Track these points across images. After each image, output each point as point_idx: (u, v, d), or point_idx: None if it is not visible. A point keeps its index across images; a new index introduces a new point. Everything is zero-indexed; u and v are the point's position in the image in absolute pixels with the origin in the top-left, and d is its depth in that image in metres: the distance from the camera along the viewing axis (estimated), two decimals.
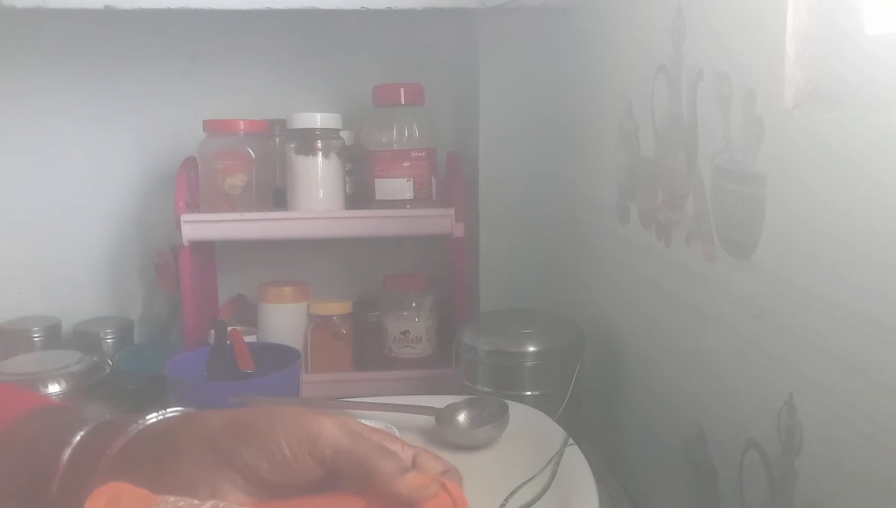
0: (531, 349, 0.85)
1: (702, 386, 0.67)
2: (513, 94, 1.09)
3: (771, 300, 0.55)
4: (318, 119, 1.02)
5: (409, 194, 1.05)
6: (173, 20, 1.12)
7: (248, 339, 0.99)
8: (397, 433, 0.63)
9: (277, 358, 0.93)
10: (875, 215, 0.44)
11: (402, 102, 1.05)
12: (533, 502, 0.59)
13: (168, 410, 0.44)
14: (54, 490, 0.41)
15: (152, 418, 0.43)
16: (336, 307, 1.08)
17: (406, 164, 1.05)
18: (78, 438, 0.42)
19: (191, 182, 1.06)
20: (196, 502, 0.37)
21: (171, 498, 0.37)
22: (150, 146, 1.19)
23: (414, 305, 1.10)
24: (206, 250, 1.16)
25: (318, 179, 1.03)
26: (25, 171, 1.18)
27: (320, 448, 0.40)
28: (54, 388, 0.89)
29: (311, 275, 1.15)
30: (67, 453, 0.41)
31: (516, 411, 0.74)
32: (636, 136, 0.81)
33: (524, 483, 0.62)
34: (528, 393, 0.84)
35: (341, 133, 1.06)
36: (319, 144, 1.03)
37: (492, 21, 1.07)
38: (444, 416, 0.73)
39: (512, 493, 0.61)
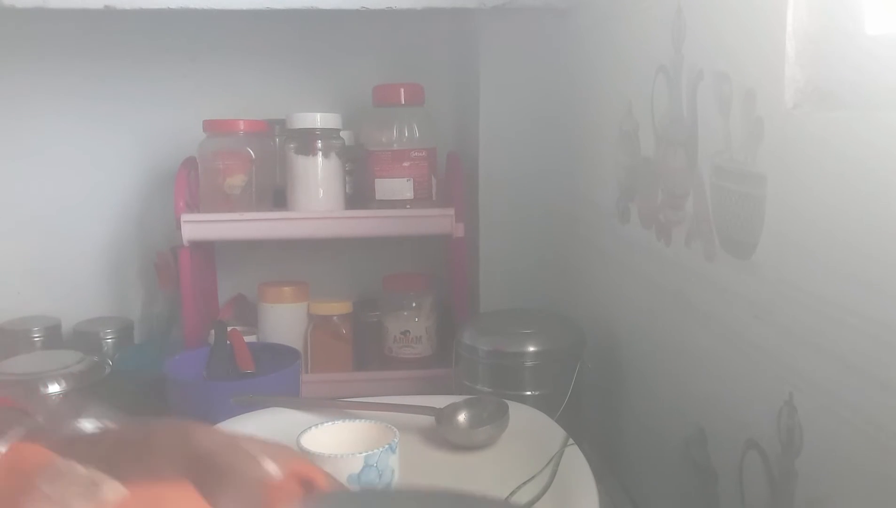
0: (531, 349, 0.85)
1: (702, 386, 0.67)
2: (513, 94, 1.09)
3: (771, 300, 0.55)
4: (318, 119, 1.02)
5: (409, 194, 1.05)
6: (173, 20, 1.12)
7: (248, 339, 0.99)
8: (397, 434, 0.63)
9: (277, 358, 0.93)
10: (875, 215, 0.44)
11: (402, 102, 1.06)
12: (533, 502, 0.59)
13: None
14: None
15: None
16: (336, 307, 1.08)
17: (406, 164, 1.05)
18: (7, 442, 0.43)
19: (191, 182, 1.06)
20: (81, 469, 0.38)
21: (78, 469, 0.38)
22: (150, 146, 1.19)
23: (414, 305, 1.10)
24: (206, 250, 1.16)
25: (318, 179, 1.03)
26: (26, 171, 1.18)
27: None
28: (54, 388, 0.89)
29: (311, 275, 1.15)
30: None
31: (516, 411, 0.74)
32: (636, 136, 0.81)
33: (524, 483, 0.62)
34: (528, 393, 0.84)
35: (341, 133, 1.06)
36: (319, 144, 1.02)
37: (492, 21, 1.07)
38: (444, 416, 0.74)
39: (512, 493, 0.61)
